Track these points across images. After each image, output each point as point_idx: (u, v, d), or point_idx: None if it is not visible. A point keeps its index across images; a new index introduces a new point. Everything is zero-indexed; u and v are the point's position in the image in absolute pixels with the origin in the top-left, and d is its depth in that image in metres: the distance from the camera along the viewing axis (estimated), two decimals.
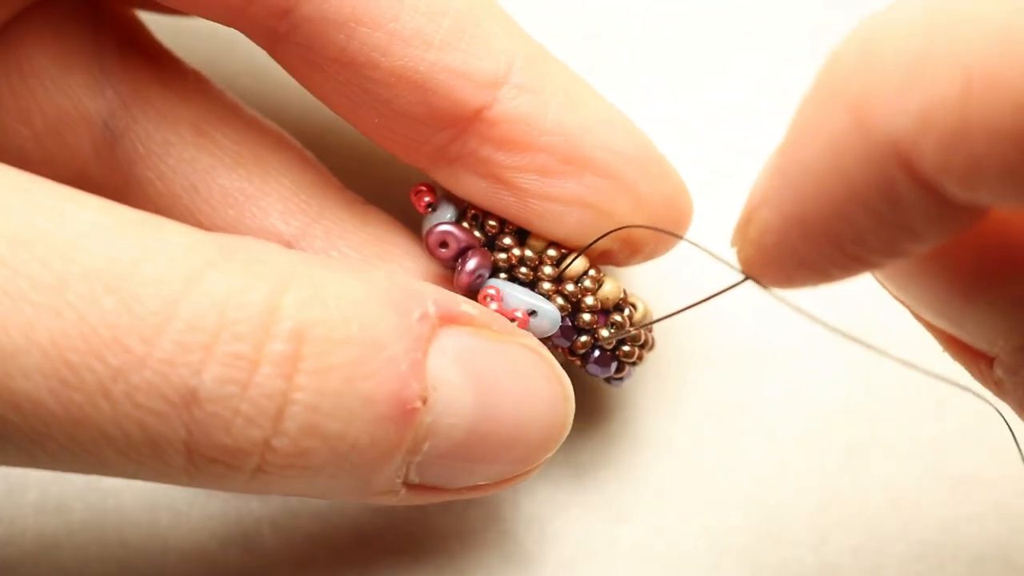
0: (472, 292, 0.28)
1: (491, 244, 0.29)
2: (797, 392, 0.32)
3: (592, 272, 0.29)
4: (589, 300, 0.28)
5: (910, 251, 0.20)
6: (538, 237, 0.29)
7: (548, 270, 0.28)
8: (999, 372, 0.24)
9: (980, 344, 0.24)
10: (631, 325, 0.29)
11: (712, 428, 0.32)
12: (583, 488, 0.31)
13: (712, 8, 0.35)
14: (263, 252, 0.24)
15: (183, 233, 0.24)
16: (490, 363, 0.26)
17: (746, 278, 0.23)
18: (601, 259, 0.29)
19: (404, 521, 0.30)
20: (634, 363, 0.29)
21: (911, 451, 0.31)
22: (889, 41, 0.18)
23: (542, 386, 0.27)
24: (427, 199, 0.29)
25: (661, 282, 0.33)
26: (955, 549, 0.30)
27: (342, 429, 0.24)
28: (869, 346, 0.24)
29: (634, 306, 0.29)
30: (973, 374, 0.25)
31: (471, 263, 0.28)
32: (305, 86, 0.28)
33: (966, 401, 0.32)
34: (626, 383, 0.30)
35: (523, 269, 0.28)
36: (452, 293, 0.26)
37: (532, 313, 0.28)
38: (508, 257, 0.28)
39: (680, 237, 0.29)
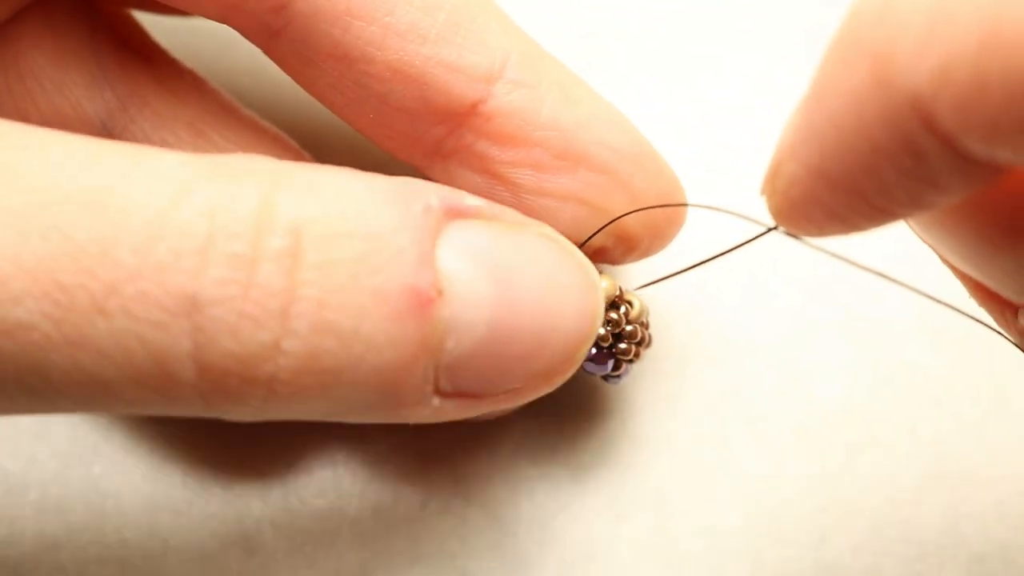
0: None
1: None
2: (797, 391, 0.32)
3: None
4: None
5: (936, 203, 0.20)
6: None
7: None
8: (1023, 321, 0.24)
9: (1007, 293, 0.24)
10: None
11: (712, 427, 0.32)
12: (583, 488, 0.31)
13: (708, 6, 0.35)
14: (253, 159, 0.24)
15: (168, 153, 0.23)
16: (504, 253, 0.25)
17: (771, 228, 0.23)
18: (596, 257, 0.29)
19: (404, 521, 0.30)
20: (631, 360, 0.29)
21: (911, 451, 0.31)
22: None
23: (565, 273, 0.26)
24: None
25: (661, 283, 0.33)
26: (955, 549, 0.30)
27: (355, 325, 0.23)
28: (938, 301, 0.25)
29: (630, 303, 0.29)
30: (998, 322, 0.25)
31: None
32: (300, 83, 0.28)
33: (966, 401, 0.32)
34: (624, 381, 0.30)
35: None
36: (456, 189, 0.25)
37: None
38: None
39: (686, 204, 0.29)
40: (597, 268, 0.29)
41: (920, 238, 0.24)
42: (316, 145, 0.32)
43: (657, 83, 0.35)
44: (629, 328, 0.29)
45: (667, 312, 0.33)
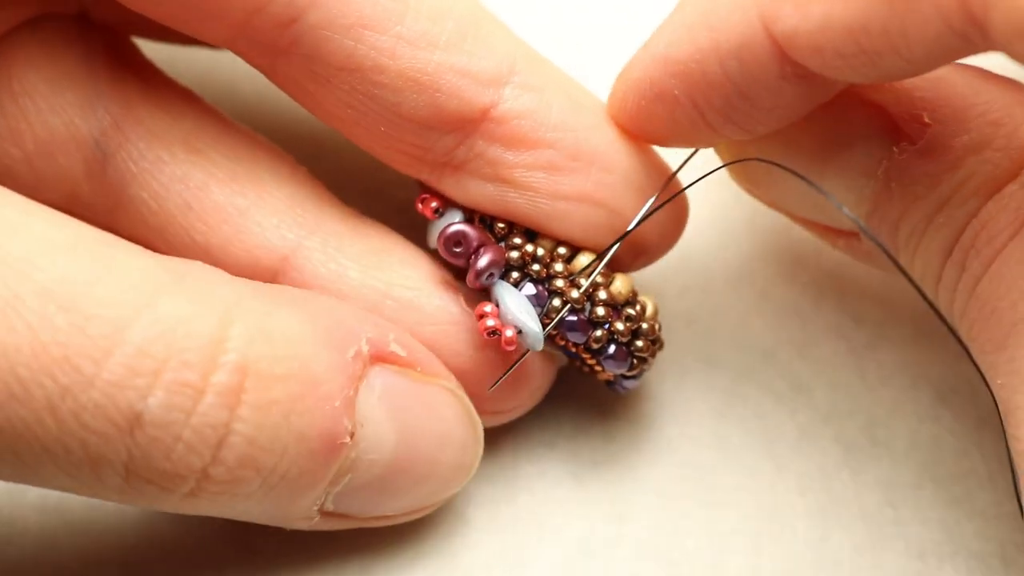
0: (483, 291, 0.29)
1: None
2: (797, 391, 0.32)
3: (601, 269, 0.28)
4: (602, 295, 0.28)
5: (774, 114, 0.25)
6: (547, 237, 0.29)
7: (559, 267, 0.28)
8: (864, 243, 0.28)
9: (844, 224, 0.28)
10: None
11: (712, 427, 0.32)
12: (583, 488, 0.31)
13: None
14: (211, 279, 0.25)
15: (135, 255, 0.24)
16: (412, 403, 0.27)
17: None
18: (610, 265, 0.29)
19: (405, 521, 0.30)
20: (646, 359, 0.29)
21: (911, 451, 0.31)
22: None
23: (456, 427, 0.28)
24: (434, 204, 0.29)
25: (662, 285, 0.33)
26: (955, 549, 0.30)
27: (275, 462, 0.25)
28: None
29: (645, 303, 0.29)
30: (845, 251, 0.30)
31: (483, 261, 0.28)
32: (306, 104, 0.28)
33: (966, 400, 0.32)
34: (631, 387, 0.30)
35: (535, 266, 0.28)
36: (385, 328, 0.27)
37: (518, 332, 0.28)
38: (521, 255, 0.28)
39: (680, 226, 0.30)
40: (611, 271, 0.29)
41: (767, 204, 0.30)
42: (315, 157, 0.32)
43: None
44: (645, 326, 0.29)
45: (668, 312, 0.33)
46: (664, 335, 0.31)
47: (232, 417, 0.24)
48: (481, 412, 0.29)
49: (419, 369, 0.27)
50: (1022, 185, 0.25)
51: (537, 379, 0.30)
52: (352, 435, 0.25)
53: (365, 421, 0.26)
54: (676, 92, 0.26)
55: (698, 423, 0.32)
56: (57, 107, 0.29)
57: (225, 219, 0.29)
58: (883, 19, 0.21)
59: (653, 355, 0.29)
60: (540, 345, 0.28)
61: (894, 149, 0.26)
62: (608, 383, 0.30)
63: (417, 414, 0.27)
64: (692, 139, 0.27)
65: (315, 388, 0.25)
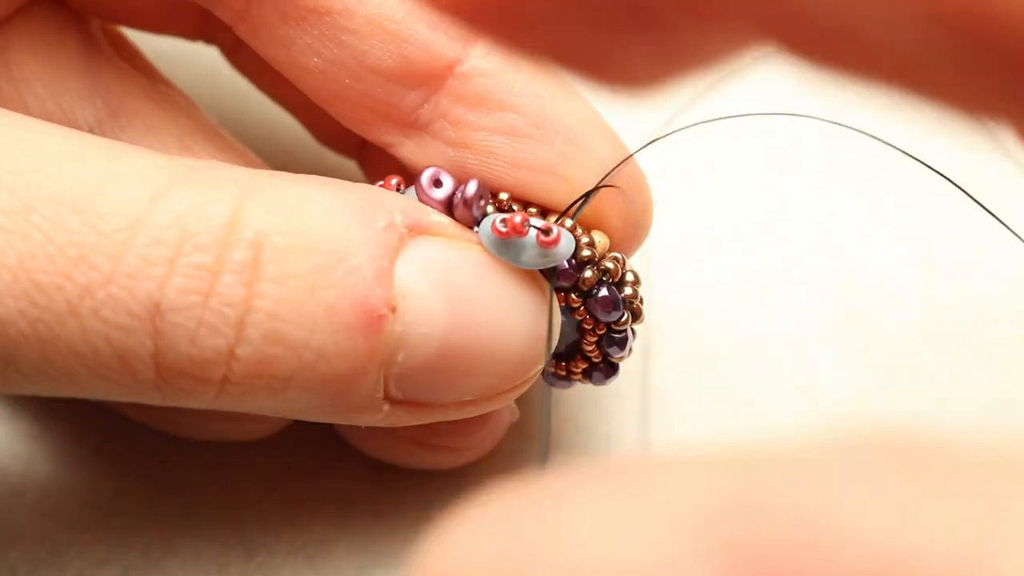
0: (476, 221, 0.27)
1: None
2: (799, 391, 0.32)
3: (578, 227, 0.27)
4: (585, 238, 0.27)
5: None
6: (517, 200, 0.28)
7: (537, 222, 0.27)
8: None
9: None
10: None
11: (711, 427, 0.32)
12: None
13: None
14: (226, 168, 0.25)
15: (146, 155, 0.24)
16: (463, 272, 0.26)
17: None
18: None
19: (405, 522, 0.30)
20: (635, 307, 0.27)
21: None
22: None
23: (522, 294, 0.26)
24: (395, 180, 0.28)
25: (662, 285, 0.33)
26: None
27: (306, 337, 0.24)
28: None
29: (621, 258, 0.27)
30: None
31: (471, 187, 0.26)
32: (275, 56, 0.28)
33: (968, 402, 0.31)
34: (616, 383, 0.29)
35: (517, 219, 0.27)
36: (423, 205, 0.26)
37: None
38: (497, 206, 0.27)
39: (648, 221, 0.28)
40: (591, 235, 0.28)
41: None
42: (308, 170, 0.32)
43: None
44: (630, 276, 0.27)
45: (668, 313, 0.33)
46: (664, 332, 0.31)
47: (251, 294, 0.23)
48: (435, 448, 0.29)
49: (467, 239, 0.26)
50: None
51: (495, 418, 0.29)
52: (393, 308, 0.24)
53: (408, 293, 0.25)
54: None
55: (698, 423, 0.32)
56: (56, 94, 0.29)
57: None
58: None
59: (638, 314, 0.28)
60: (573, 246, 0.26)
61: None
62: (585, 372, 0.28)
63: (470, 283, 0.25)
64: None
65: (341, 260, 0.24)
